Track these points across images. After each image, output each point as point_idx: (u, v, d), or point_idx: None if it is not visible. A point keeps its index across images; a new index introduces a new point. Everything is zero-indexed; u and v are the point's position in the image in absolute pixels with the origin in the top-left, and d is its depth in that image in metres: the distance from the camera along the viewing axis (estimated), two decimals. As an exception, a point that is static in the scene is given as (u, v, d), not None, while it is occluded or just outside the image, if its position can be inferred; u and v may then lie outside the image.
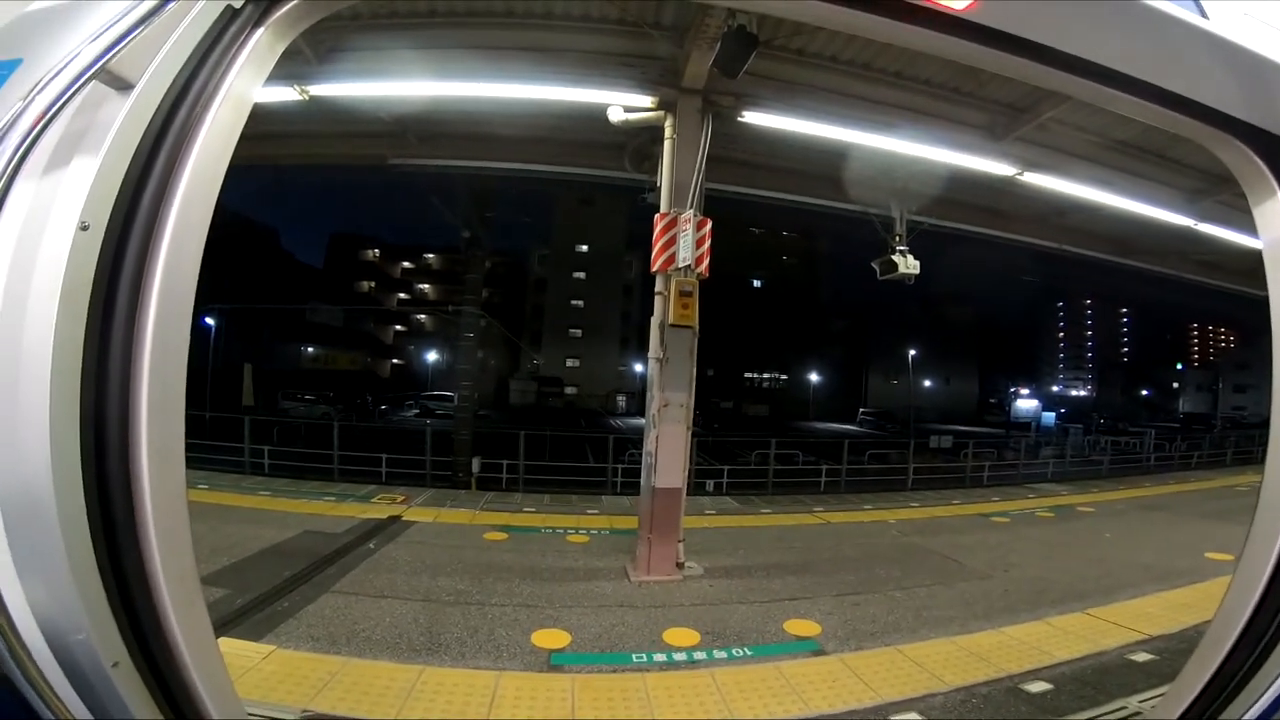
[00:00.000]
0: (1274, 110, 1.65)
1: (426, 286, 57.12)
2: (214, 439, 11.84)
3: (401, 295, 58.03)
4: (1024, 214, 10.24)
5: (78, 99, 0.96)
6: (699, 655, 4.62)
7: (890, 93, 6.95)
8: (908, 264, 8.80)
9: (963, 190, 9.00)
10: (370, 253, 56.27)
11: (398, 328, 57.67)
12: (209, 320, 29.95)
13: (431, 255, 56.73)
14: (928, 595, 5.99)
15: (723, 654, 4.64)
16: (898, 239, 8.90)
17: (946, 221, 9.90)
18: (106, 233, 1.03)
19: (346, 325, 50.62)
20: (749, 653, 4.68)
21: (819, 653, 4.71)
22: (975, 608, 5.69)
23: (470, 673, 4.19)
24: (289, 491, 9.39)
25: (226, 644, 3.93)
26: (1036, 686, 4.24)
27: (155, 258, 1.06)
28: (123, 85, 1.03)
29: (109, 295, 1.04)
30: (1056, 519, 10.09)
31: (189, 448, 1.18)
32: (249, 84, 1.22)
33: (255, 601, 5.10)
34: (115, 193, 1.04)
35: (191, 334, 1.15)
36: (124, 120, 1.02)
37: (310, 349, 46.32)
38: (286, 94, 6.44)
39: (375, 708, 3.68)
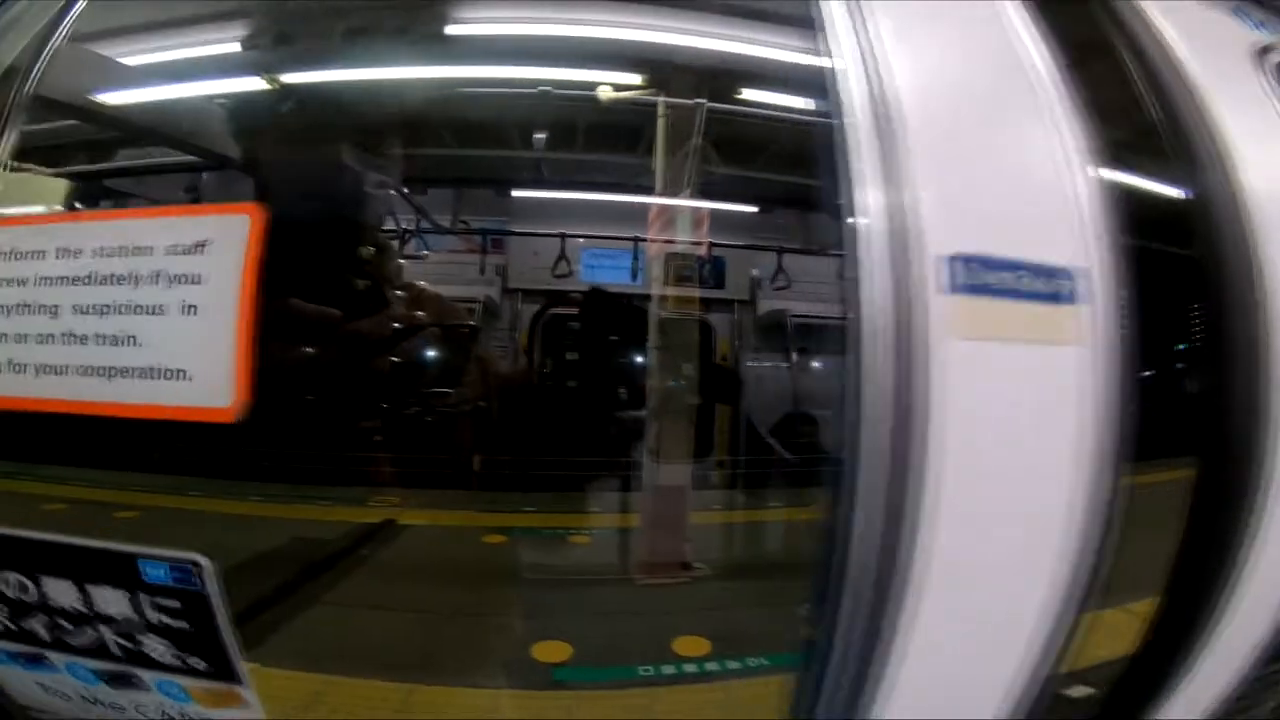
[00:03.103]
0: None
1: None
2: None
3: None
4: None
5: None
6: (711, 666, 4.35)
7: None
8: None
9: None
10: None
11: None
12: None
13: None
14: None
15: (736, 664, 4.37)
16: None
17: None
18: None
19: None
20: (765, 663, 4.40)
21: (839, 659, 4.43)
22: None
23: (466, 691, 3.94)
24: (282, 496, 9.21)
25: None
26: (1078, 691, 3.96)
27: None
28: None
29: None
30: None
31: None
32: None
33: (239, 615, 4.87)
34: None
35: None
36: None
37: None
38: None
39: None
